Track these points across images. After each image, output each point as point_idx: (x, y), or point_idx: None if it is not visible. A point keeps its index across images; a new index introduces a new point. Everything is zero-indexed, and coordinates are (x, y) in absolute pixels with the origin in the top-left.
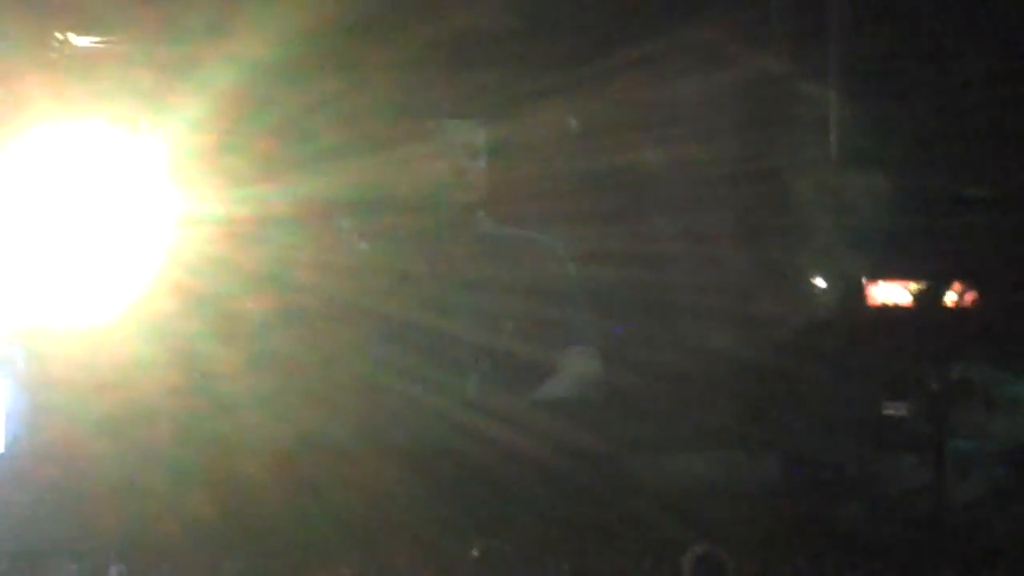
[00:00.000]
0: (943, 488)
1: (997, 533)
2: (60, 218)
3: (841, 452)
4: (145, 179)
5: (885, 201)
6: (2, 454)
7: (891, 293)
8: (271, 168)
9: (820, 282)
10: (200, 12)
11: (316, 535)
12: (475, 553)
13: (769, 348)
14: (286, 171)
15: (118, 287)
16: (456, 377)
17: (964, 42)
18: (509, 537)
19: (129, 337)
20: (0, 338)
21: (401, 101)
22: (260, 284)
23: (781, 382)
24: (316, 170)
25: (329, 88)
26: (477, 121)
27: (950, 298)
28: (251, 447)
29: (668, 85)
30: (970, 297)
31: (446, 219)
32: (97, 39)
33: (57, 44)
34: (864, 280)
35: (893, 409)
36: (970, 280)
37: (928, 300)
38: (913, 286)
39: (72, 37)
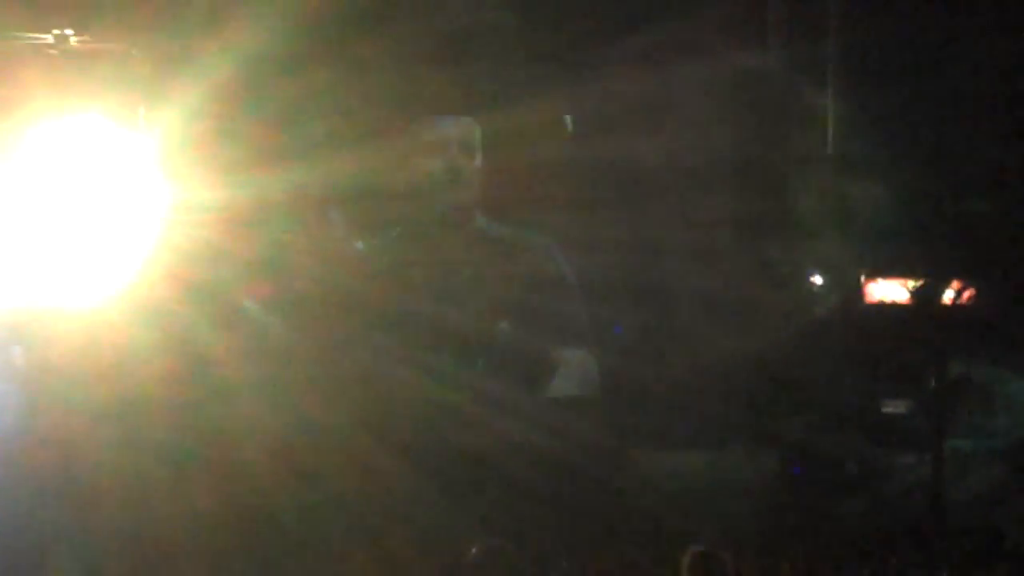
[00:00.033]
0: (942, 486)
1: (997, 531)
2: (57, 208)
3: (840, 449)
4: (142, 169)
5: (884, 198)
6: None
7: (889, 290)
8: (267, 158)
9: (818, 279)
10: (197, 5)
11: (316, 527)
12: (475, 549)
13: (767, 345)
14: (282, 161)
15: (116, 276)
16: (455, 370)
17: (965, 39)
18: (508, 534)
19: (127, 326)
20: None
21: (398, 94)
22: (259, 273)
23: (779, 379)
24: (312, 161)
25: (325, 80)
26: (473, 118)
27: (949, 295)
28: (250, 436)
29: (666, 81)
30: (969, 294)
31: (440, 217)
32: (94, 34)
33: (54, 39)
34: (862, 277)
35: (892, 407)
36: (969, 277)
37: (927, 297)
38: (911, 283)
39: (69, 32)
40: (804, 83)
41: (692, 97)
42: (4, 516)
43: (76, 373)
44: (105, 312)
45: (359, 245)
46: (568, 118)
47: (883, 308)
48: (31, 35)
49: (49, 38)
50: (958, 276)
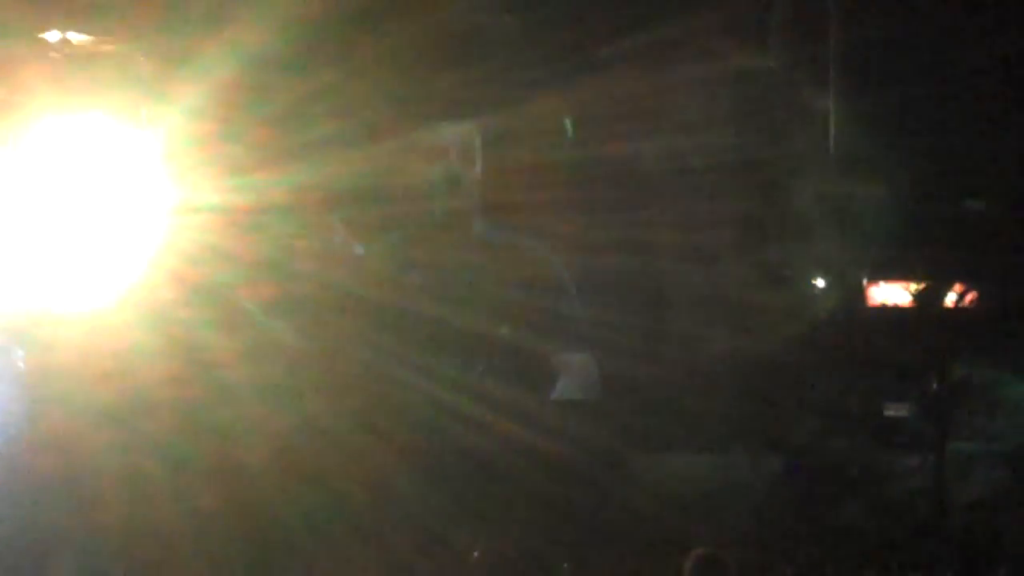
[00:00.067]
0: (944, 489)
1: (998, 534)
2: (60, 209)
3: (842, 453)
4: (144, 170)
5: (885, 201)
6: (1, 447)
7: (891, 293)
8: (270, 159)
9: (821, 282)
10: (201, 5)
11: (317, 527)
12: (477, 552)
13: (770, 349)
14: (285, 163)
15: (118, 277)
16: (456, 373)
17: (965, 40)
18: (510, 536)
19: (129, 327)
20: None
21: (400, 96)
22: (261, 274)
23: (782, 383)
24: (314, 163)
25: (327, 81)
26: (474, 121)
27: (951, 298)
28: (252, 437)
29: (667, 84)
30: (971, 297)
31: (439, 222)
32: (96, 34)
33: (56, 39)
34: (865, 280)
35: (894, 410)
36: (971, 280)
37: (929, 300)
38: (914, 286)
39: (71, 33)
40: (805, 85)
41: (693, 99)
42: (6, 518)
43: (78, 376)
44: (107, 315)
45: (359, 249)
46: (568, 120)
47: (885, 311)
48: (35, 36)
49: (52, 39)
50: (960, 279)
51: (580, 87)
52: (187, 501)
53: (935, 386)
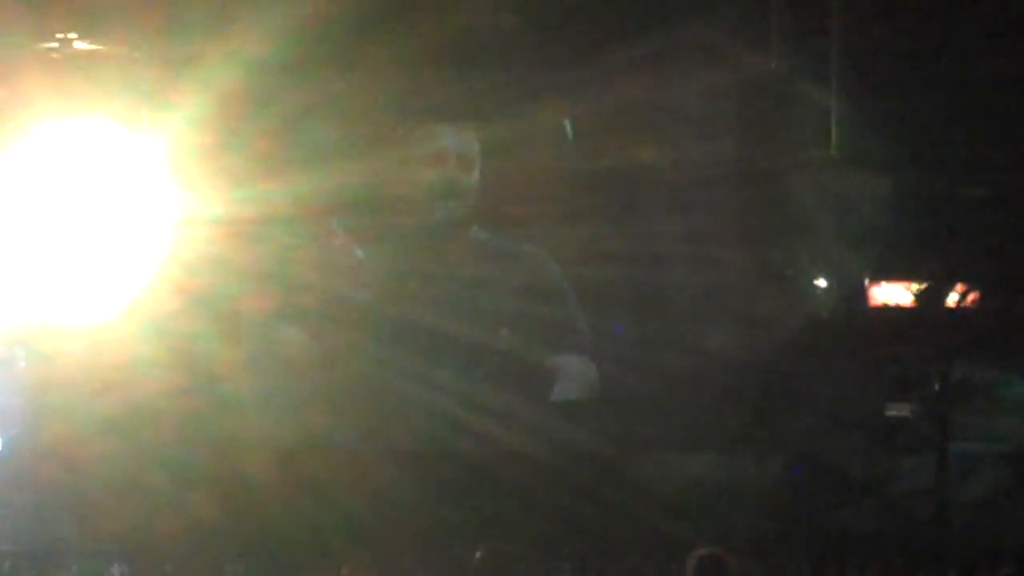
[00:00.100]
0: (946, 489)
1: (1000, 535)
2: (62, 218)
3: (844, 453)
4: (147, 178)
5: (887, 201)
6: (2, 455)
7: (893, 294)
8: (271, 165)
9: (822, 283)
10: (201, 11)
11: (319, 536)
12: (478, 555)
13: (772, 349)
14: (286, 169)
15: (120, 287)
16: (457, 379)
17: (968, 40)
18: (512, 539)
19: (131, 337)
20: (1, 338)
21: (401, 100)
22: (263, 284)
23: (783, 383)
24: (315, 168)
25: (328, 86)
26: (476, 125)
27: (952, 299)
28: (254, 448)
29: (668, 85)
30: (973, 298)
31: (438, 228)
32: (99, 39)
33: (59, 44)
34: (866, 281)
35: (896, 410)
36: (973, 281)
37: (930, 301)
38: (915, 287)
39: (73, 37)
40: (808, 87)
41: (695, 101)
42: (9, 526)
43: (81, 386)
44: (109, 325)
45: (359, 253)
46: (567, 125)
47: (887, 311)
48: (36, 39)
49: (54, 42)
50: (962, 279)
51: (579, 93)
52: (189, 511)
53: (937, 386)
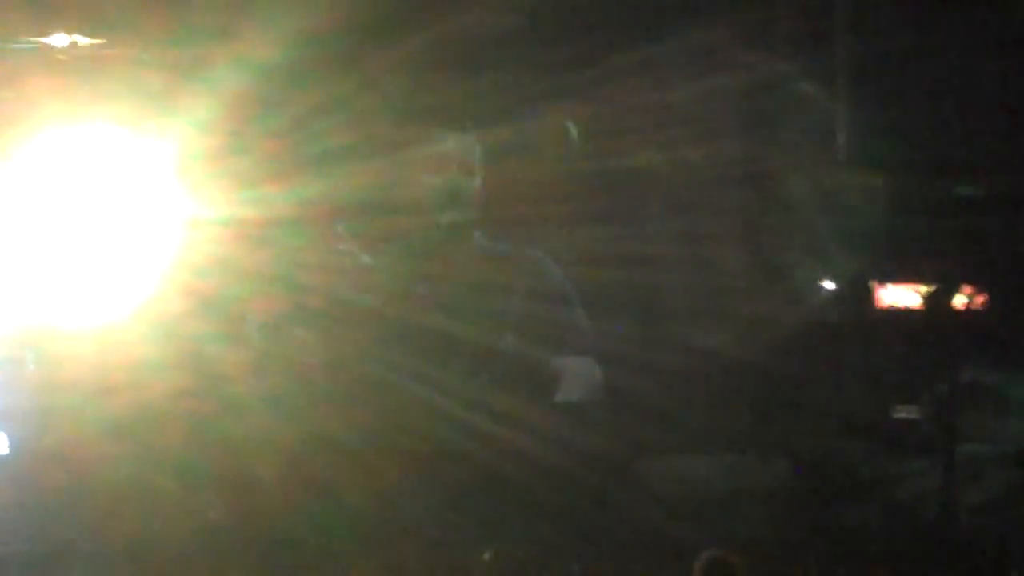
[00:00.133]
0: (953, 492)
1: (1008, 537)
2: (68, 220)
3: (851, 455)
4: (154, 181)
5: (894, 203)
6: (9, 456)
7: (901, 296)
8: (277, 168)
9: (829, 285)
10: (207, 14)
11: (325, 538)
12: (486, 557)
13: (778, 351)
14: (292, 172)
15: (127, 289)
16: (464, 381)
17: (974, 43)
18: (519, 541)
19: (138, 339)
20: (8, 340)
21: (406, 105)
22: (269, 286)
23: (790, 385)
24: (321, 172)
25: (334, 90)
26: (480, 129)
27: (960, 301)
28: (261, 449)
29: (675, 88)
30: (980, 300)
31: (440, 234)
32: (104, 41)
33: (65, 46)
34: (873, 283)
35: (903, 412)
36: (980, 282)
37: (938, 303)
38: (923, 289)
39: (79, 39)
40: (814, 92)
41: (701, 105)
42: (16, 529)
43: (88, 388)
44: (116, 327)
45: (366, 259)
46: (570, 130)
47: (894, 314)
48: (42, 41)
49: (60, 44)
50: (969, 282)
51: (581, 98)
52: (196, 513)
53: (944, 388)
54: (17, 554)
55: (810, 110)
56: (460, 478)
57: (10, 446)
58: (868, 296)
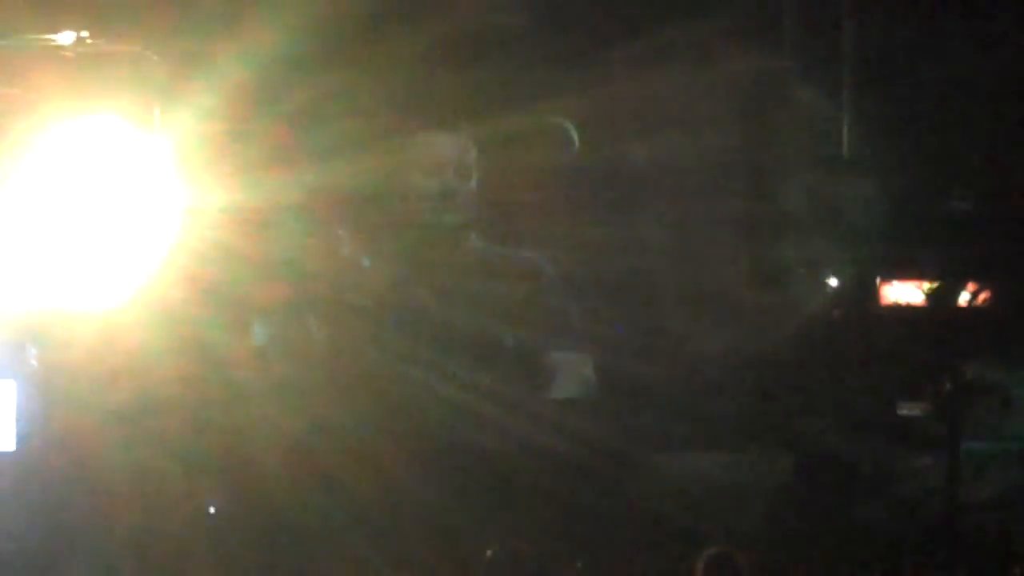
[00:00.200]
0: (957, 488)
1: (1011, 534)
2: (74, 211)
3: (855, 452)
4: (158, 174)
5: (898, 200)
6: (14, 446)
7: (904, 292)
8: (281, 160)
9: (834, 282)
10: (212, 10)
11: (329, 527)
12: (489, 552)
13: (784, 348)
14: (296, 164)
15: (131, 278)
16: (466, 373)
17: (977, 41)
18: (523, 535)
19: (142, 328)
20: (11, 329)
21: (409, 97)
22: (273, 275)
23: (796, 382)
24: (324, 163)
25: (337, 83)
26: (469, 140)
27: (964, 298)
28: (264, 438)
29: (677, 85)
30: (984, 297)
31: (437, 235)
32: (110, 36)
33: (71, 41)
34: (878, 280)
35: (907, 409)
36: (984, 280)
37: (941, 300)
38: (927, 286)
39: (85, 35)
40: (818, 87)
41: (694, 102)
42: (19, 516)
43: (91, 375)
44: (119, 314)
45: (366, 262)
46: (566, 126)
47: (898, 310)
48: (48, 37)
49: (65, 40)
50: (973, 278)
51: (577, 92)
52: (199, 500)
53: (948, 386)
54: (23, 541)
55: (815, 106)
56: (464, 468)
57: (14, 434)
58: (873, 293)
